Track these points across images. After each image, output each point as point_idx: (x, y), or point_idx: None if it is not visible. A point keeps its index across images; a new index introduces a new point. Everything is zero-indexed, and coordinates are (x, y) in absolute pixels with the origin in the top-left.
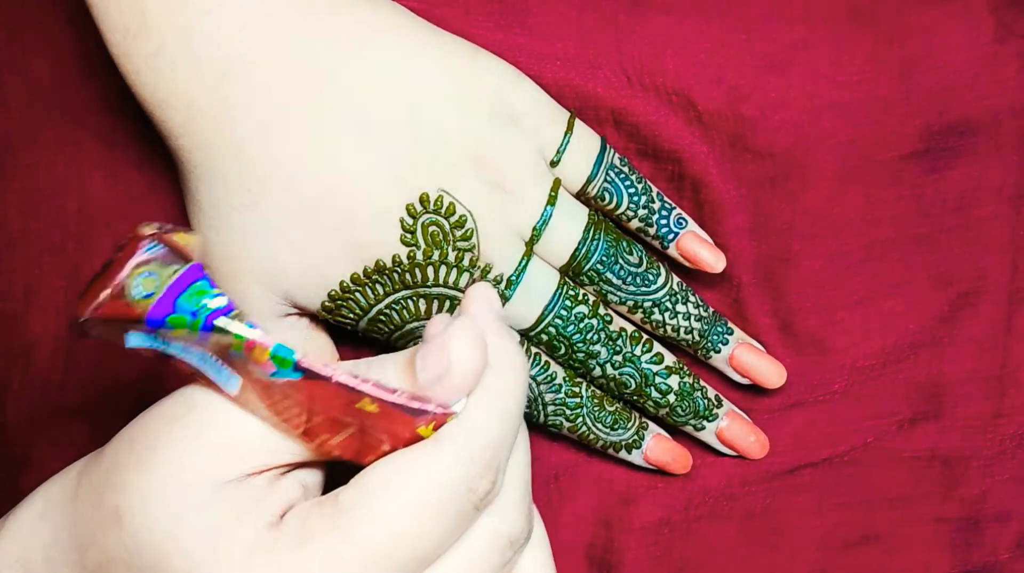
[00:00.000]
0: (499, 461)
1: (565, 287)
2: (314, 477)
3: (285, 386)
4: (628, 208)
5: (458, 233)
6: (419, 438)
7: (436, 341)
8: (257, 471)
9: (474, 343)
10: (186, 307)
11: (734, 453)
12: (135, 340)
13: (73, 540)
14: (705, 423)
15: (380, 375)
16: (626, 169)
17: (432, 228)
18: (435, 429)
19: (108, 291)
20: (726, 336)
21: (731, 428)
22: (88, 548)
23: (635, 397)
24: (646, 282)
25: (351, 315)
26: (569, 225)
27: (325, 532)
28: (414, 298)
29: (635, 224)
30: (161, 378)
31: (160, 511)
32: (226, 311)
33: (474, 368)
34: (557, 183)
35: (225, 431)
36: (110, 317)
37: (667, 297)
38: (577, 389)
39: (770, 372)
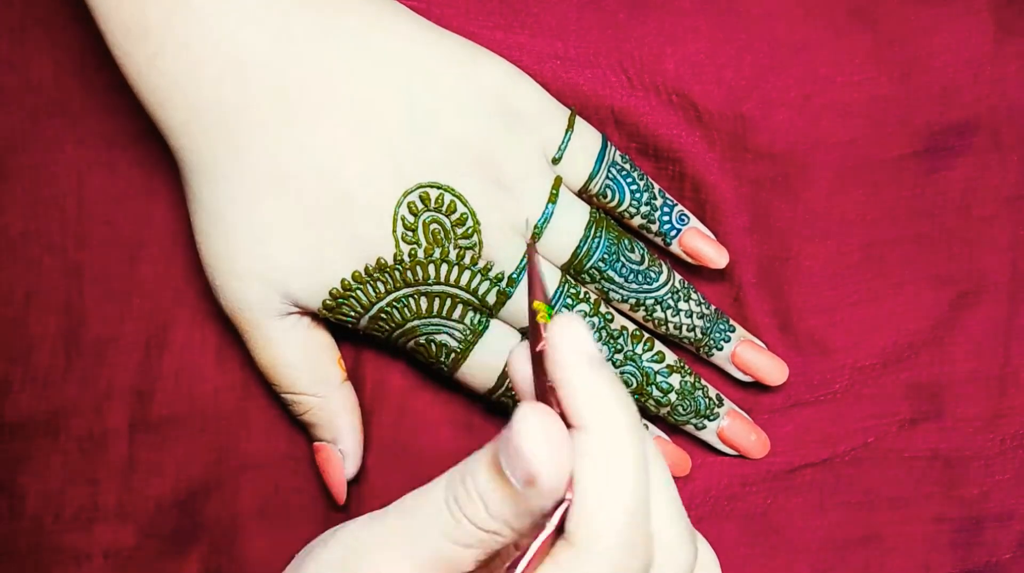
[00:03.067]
0: (641, 530)
1: (566, 285)
2: None
3: None
4: (630, 205)
5: (459, 231)
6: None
7: (510, 440)
8: None
9: (547, 432)
10: None
11: (735, 452)
12: None
13: None
14: (706, 422)
15: (474, 487)
16: (628, 166)
17: (433, 226)
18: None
19: None
20: (728, 333)
21: (732, 427)
22: None
23: (636, 396)
24: (648, 280)
25: (352, 313)
26: (570, 223)
27: None
28: (415, 296)
29: (637, 221)
30: (159, 378)
31: None
32: None
33: (558, 462)
34: (558, 181)
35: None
36: None
37: (669, 294)
38: None
39: (772, 369)
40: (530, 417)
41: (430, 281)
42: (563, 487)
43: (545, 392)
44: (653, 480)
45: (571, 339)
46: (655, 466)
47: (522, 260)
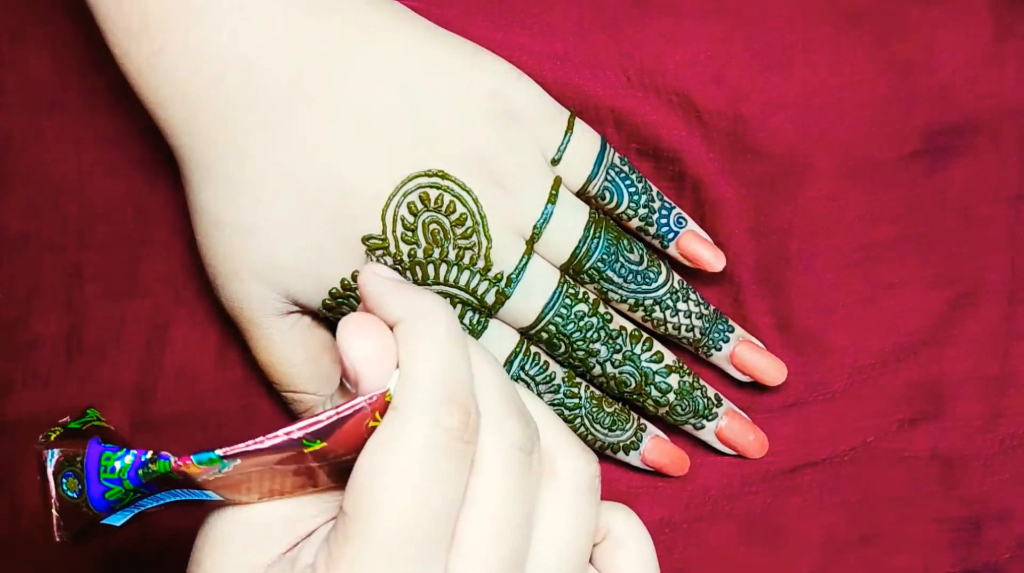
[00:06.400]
0: (457, 392)
1: (565, 285)
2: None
3: (235, 472)
4: (628, 207)
5: (458, 231)
6: (373, 429)
7: (338, 352)
8: (285, 550)
9: (361, 329)
10: (109, 480)
11: (734, 452)
12: (114, 519)
13: None
14: (705, 422)
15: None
16: (626, 168)
17: (433, 226)
18: (382, 412)
19: (55, 512)
20: (727, 334)
21: (731, 427)
22: None
23: (635, 396)
24: (647, 280)
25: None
26: (570, 223)
27: (344, 547)
28: None
29: (635, 223)
30: (159, 377)
31: None
32: (138, 462)
33: (375, 351)
34: (558, 181)
35: (245, 527)
36: (77, 526)
37: (668, 295)
38: (576, 389)
39: (771, 369)
40: (347, 322)
41: (430, 281)
42: (383, 368)
43: None
44: (478, 362)
45: (374, 273)
46: (478, 351)
47: (521, 260)
